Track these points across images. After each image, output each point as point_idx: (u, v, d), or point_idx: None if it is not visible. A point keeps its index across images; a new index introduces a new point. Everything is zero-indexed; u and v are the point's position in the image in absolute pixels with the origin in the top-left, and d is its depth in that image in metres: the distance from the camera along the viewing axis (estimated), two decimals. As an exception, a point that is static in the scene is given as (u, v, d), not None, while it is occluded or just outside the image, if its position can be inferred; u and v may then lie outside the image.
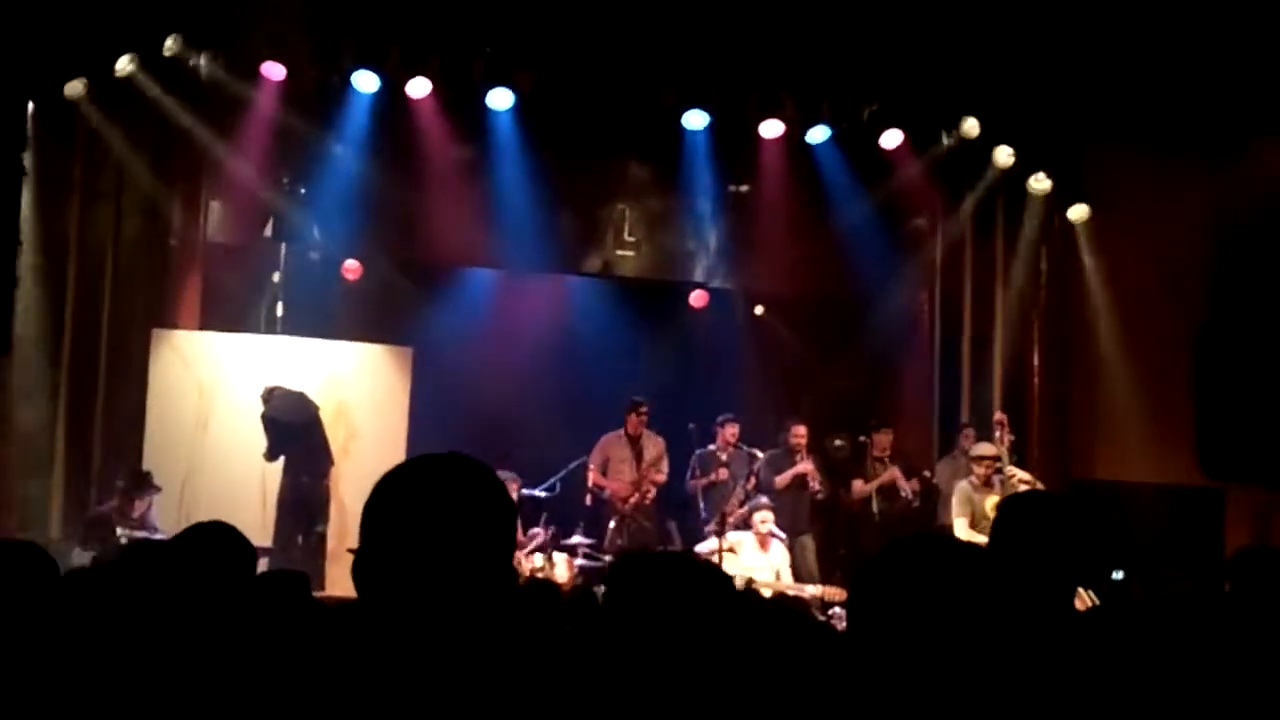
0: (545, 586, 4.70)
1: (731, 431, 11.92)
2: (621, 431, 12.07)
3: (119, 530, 9.89)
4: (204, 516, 3.83)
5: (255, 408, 11.14)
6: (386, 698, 1.84)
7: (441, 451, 2.06)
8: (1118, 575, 10.21)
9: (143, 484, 10.43)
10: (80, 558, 9.19)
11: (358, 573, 1.95)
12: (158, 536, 9.30)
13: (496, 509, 2.00)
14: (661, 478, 12.04)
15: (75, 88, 10.59)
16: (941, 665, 1.82)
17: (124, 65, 10.70)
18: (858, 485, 12.02)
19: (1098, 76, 11.38)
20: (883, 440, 12.17)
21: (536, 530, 10.85)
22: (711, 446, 11.91)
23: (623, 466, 11.94)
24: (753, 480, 11.68)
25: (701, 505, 11.70)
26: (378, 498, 1.99)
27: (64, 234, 10.84)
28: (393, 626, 1.89)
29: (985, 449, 10.78)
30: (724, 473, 11.71)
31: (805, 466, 11.80)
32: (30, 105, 10.39)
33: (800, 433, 11.95)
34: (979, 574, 1.90)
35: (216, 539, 3.65)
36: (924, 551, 1.97)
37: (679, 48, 11.47)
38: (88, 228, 11.03)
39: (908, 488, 11.92)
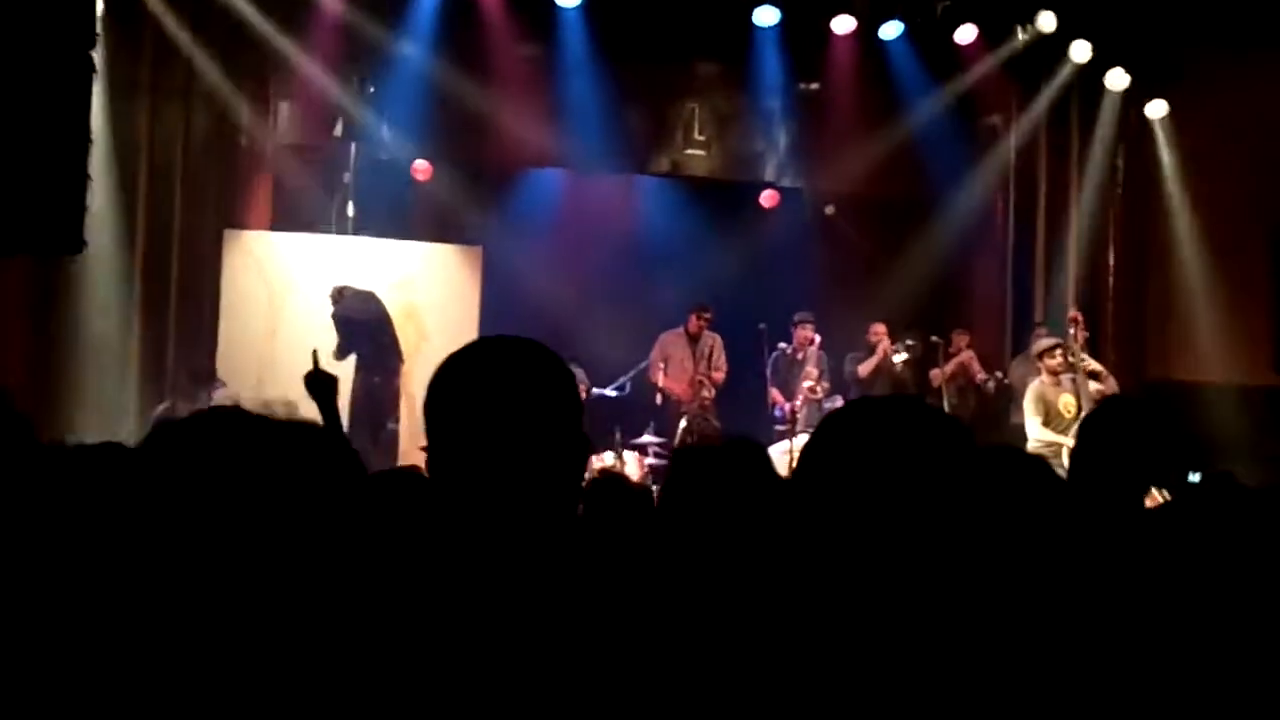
0: (614, 480, 4.65)
1: (807, 333, 11.89)
2: (681, 329, 12.06)
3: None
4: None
5: (326, 307, 11.20)
6: (445, 577, 1.82)
7: None
8: (1194, 477, 10.09)
9: (206, 377, 10.56)
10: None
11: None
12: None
13: (558, 389, 1.98)
14: (720, 375, 12.04)
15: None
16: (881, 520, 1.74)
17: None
18: (935, 374, 11.97)
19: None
20: (960, 340, 12.20)
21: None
22: (782, 345, 11.89)
23: (684, 365, 11.94)
24: (820, 373, 11.68)
25: (778, 406, 11.72)
26: (445, 374, 1.97)
27: (134, 134, 10.85)
28: (456, 504, 1.86)
29: (1045, 342, 10.46)
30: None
31: (884, 347, 11.99)
32: (100, 3, 10.36)
33: (880, 330, 12.16)
34: (945, 438, 1.80)
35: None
36: (891, 410, 1.88)
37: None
38: (157, 128, 11.04)
39: (981, 371, 11.95)
